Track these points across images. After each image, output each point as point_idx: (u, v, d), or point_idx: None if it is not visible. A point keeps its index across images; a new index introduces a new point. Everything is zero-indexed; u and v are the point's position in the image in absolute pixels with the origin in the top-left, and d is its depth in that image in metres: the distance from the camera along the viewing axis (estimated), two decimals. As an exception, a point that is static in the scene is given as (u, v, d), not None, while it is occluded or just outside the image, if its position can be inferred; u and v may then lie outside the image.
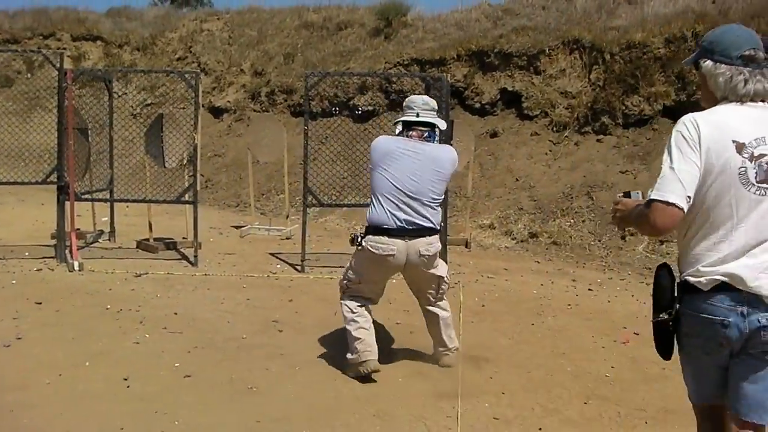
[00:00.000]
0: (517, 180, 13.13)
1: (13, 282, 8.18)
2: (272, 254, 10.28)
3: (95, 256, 9.65)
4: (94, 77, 11.44)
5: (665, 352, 3.10)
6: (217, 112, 19.53)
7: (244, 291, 8.07)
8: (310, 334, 6.51)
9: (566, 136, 13.46)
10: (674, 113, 12.39)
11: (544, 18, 15.46)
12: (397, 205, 5.24)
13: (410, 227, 5.25)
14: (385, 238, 5.24)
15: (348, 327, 5.49)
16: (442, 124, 5.58)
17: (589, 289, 8.79)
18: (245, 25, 21.85)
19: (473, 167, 11.89)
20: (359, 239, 5.37)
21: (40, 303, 7.27)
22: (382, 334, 6.34)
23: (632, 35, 13.22)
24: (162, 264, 9.33)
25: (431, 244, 5.33)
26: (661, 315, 3.04)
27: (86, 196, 10.05)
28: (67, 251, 9.20)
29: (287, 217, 12.58)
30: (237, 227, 12.36)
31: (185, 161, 10.26)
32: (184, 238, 10.47)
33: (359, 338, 5.42)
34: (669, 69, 12.53)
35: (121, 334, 6.33)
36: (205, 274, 8.85)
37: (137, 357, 5.78)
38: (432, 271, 5.50)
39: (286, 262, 9.74)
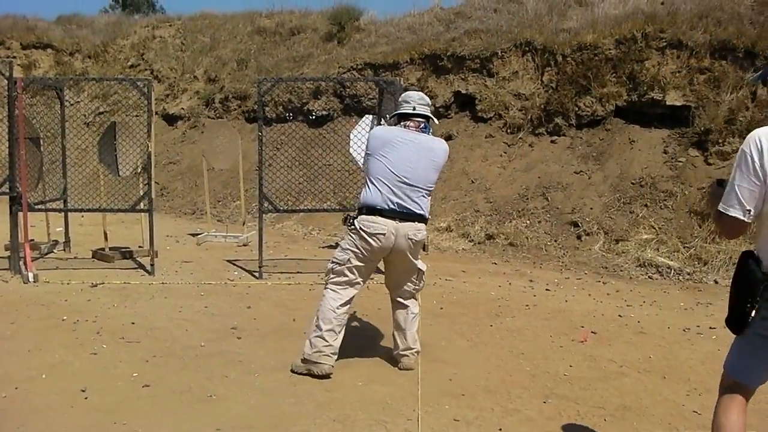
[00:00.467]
0: (472, 182, 13.20)
1: (-34, 295, 8.08)
2: (229, 261, 10.23)
3: (50, 266, 9.53)
4: (45, 86, 11.27)
5: (739, 330, 3.34)
6: (171, 119, 19.43)
7: (202, 299, 8.02)
8: (269, 340, 6.50)
9: (520, 138, 13.57)
10: (626, 113, 12.59)
11: (496, 21, 15.55)
12: (391, 189, 5.46)
13: (401, 210, 5.48)
14: (377, 218, 5.46)
15: (322, 323, 5.60)
16: (435, 120, 5.91)
17: (547, 290, 8.87)
18: (198, 31, 21.74)
19: (429, 170, 11.90)
20: (351, 219, 5.58)
21: (-7, 316, 7.18)
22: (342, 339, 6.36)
23: (583, 37, 13.35)
24: (118, 273, 9.24)
25: (419, 230, 5.56)
26: (747, 305, 3.26)
27: (39, 206, 9.90)
28: (21, 262, 9.09)
29: (244, 223, 12.53)
30: (193, 235, 12.31)
31: (139, 169, 10.19)
32: (140, 246, 10.40)
33: (327, 342, 5.56)
34: (620, 70, 12.69)
35: (78, 345, 6.25)
36: (163, 283, 8.78)
37: (94, 368, 5.71)
38: (415, 262, 5.71)
39: (244, 269, 9.71)
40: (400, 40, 16.52)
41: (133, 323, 6.94)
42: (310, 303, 7.83)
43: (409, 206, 5.49)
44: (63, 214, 10.78)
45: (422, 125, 5.68)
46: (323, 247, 11.54)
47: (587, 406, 5.11)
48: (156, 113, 18.80)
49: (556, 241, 11.17)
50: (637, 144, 12.15)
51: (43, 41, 23.19)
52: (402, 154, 5.50)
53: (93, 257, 10.22)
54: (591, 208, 11.43)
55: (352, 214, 5.66)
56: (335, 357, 5.59)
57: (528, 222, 11.82)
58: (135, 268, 9.64)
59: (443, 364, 5.95)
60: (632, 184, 11.53)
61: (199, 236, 11.92)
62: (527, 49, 14.18)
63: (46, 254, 10.40)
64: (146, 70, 21.09)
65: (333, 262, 5.67)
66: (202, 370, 5.68)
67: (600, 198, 11.58)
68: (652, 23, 12.66)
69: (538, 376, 5.76)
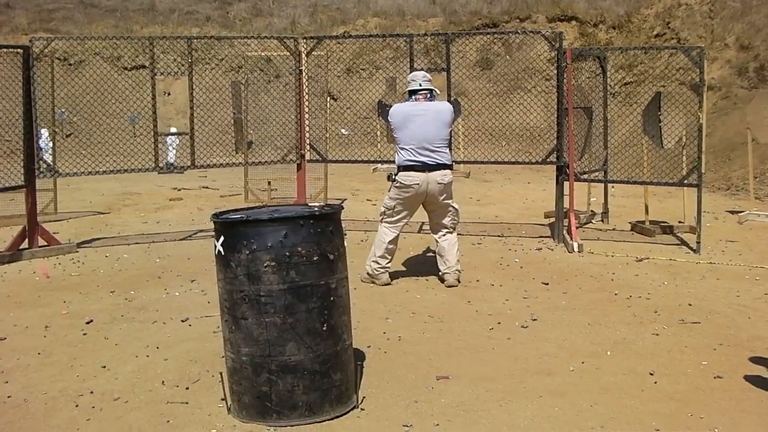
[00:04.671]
0: None
1: (516, 260, 8.31)
2: (780, 244, 9.33)
3: (591, 237, 9.51)
4: (588, 56, 11.18)
5: None
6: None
7: (757, 284, 7.35)
8: None
9: None
10: None
11: None
12: (417, 150, 7.02)
13: (427, 164, 7.02)
14: (411, 172, 7.03)
15: (376, 251, 7.27)
16: (437, 91, 7.45)
17: None
18: (726, -5, 20.59)
19: None
20: (393, 176, 7.12)
21: (547, 284, 7.27)
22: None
23: None
24: (661, 249, 8.93)
25: (446, 175, 7.11)
26: None
27: (584, 176, 9.88)
28: (565, 231, 9.14)
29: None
30: (732, 212, 11.52)
31: (683, 141, 9.78)
32: (680, 222, 9.97)
33: (381, 264, 7.26)
34: None
35: (637, 323, 6.02)
36: (710, 262, 8.26)
37: (658, 350, 5.41)
38: (447, 201, 7.19)
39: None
40: None
41: (690, 305, 6.53)
42: None
43: (432, 160, 7.02)
44: (601, 185, 10.70)
45: (428, 95, 7.15)
46: None
47: None
48: (683, 83, 18.20)
49: None
50: None
51: (567, 14, 23.72)
52: (419, 123, 7.01)
53: (632, 230, 10.03)
54: None
55: (393, 174, 7.14)
56: (389, 273, 7.35)
57: None
58: (677, 245, 9.24)
59: None
60: None
61: (741, 214, 11.04)
62: None
63: (584, 224, 10.39)
64: (672, 38, 20.50)
65: (384, 207, 7.30)
66: (777, 366, 5.11)
67: None
68: None
69: None
